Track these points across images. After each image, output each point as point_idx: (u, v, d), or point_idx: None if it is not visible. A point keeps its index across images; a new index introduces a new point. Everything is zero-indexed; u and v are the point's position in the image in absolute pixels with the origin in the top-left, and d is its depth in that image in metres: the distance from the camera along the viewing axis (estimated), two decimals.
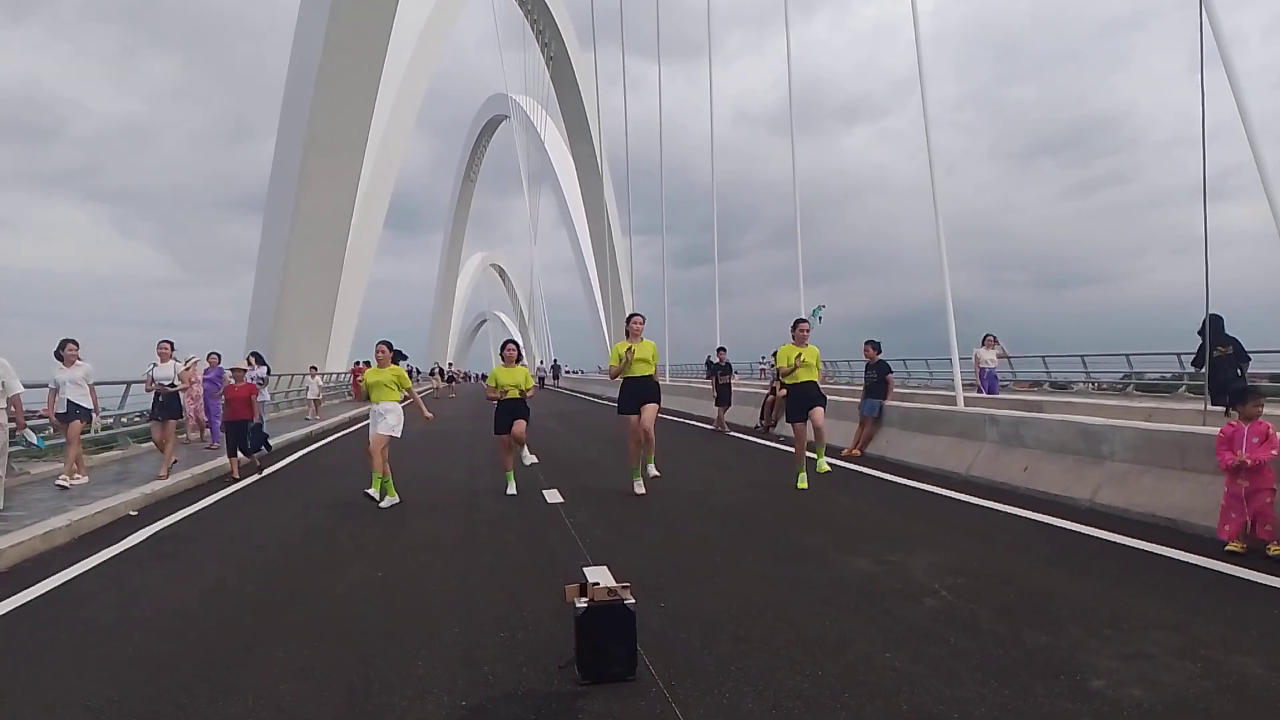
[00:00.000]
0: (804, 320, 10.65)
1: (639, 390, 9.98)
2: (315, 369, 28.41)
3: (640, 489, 9.93)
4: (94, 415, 11.85)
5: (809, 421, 10.11)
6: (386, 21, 41.67)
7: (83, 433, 11.60)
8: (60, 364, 11.19)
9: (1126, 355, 24.36)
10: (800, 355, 10.13)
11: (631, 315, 10.20)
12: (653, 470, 10.25)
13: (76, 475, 11.11)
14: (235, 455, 12.51)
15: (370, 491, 9.61)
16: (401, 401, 10.08)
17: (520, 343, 18.18)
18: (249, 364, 19.51)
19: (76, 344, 11.27)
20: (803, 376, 10.16)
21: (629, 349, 9.85)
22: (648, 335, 10.24)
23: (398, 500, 9.72)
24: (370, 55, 41.67)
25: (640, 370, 9.92)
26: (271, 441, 13.96)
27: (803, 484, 9.99)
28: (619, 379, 10.17)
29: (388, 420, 9.83)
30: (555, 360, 78.35)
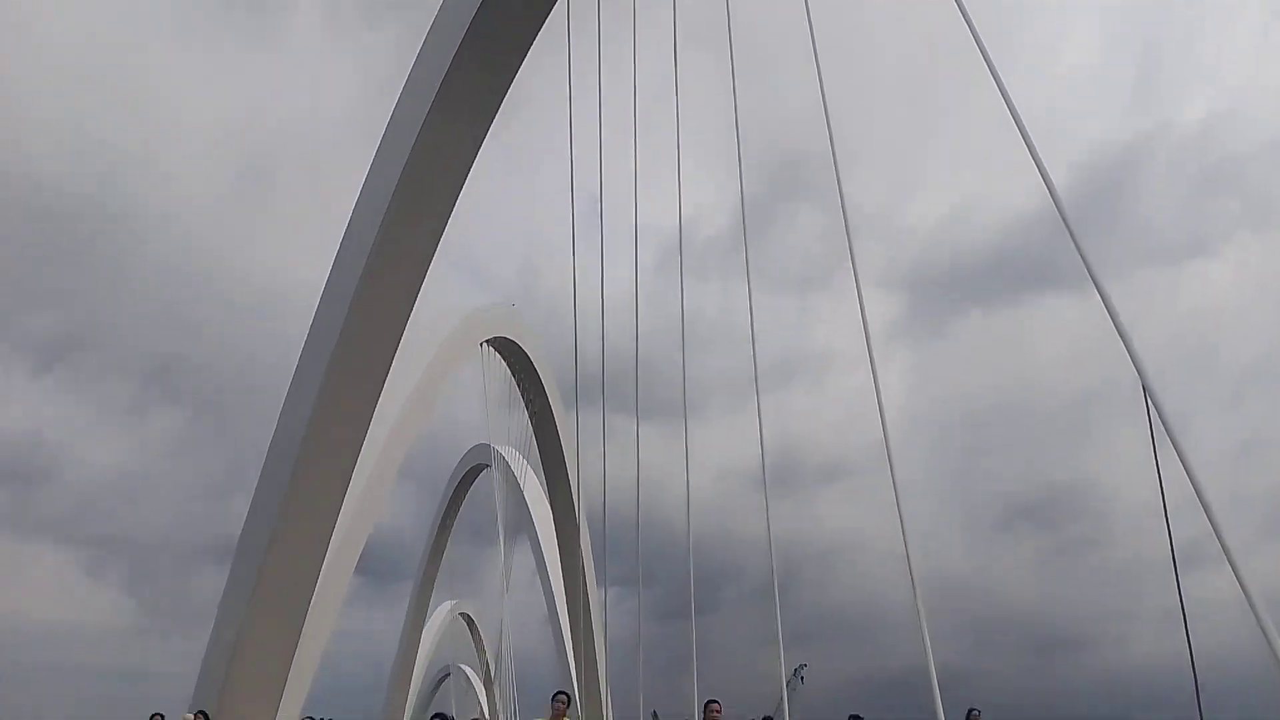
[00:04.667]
0: (714, 701, 10.17)
1: None
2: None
3: None
4: None
5: None
6: (378, 383, 43.75)
7: None
8: None
9: None
10: None
11: (557, 694, 9.91)
12: None
13: None
14: None
15: None
16: None
17: (485, 703, 17.02)
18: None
19: None
20: None
21: None
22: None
23: None
24: (358, 414, 43.26)
25: None
26: None
27: None
28: None
29: None
30: None
